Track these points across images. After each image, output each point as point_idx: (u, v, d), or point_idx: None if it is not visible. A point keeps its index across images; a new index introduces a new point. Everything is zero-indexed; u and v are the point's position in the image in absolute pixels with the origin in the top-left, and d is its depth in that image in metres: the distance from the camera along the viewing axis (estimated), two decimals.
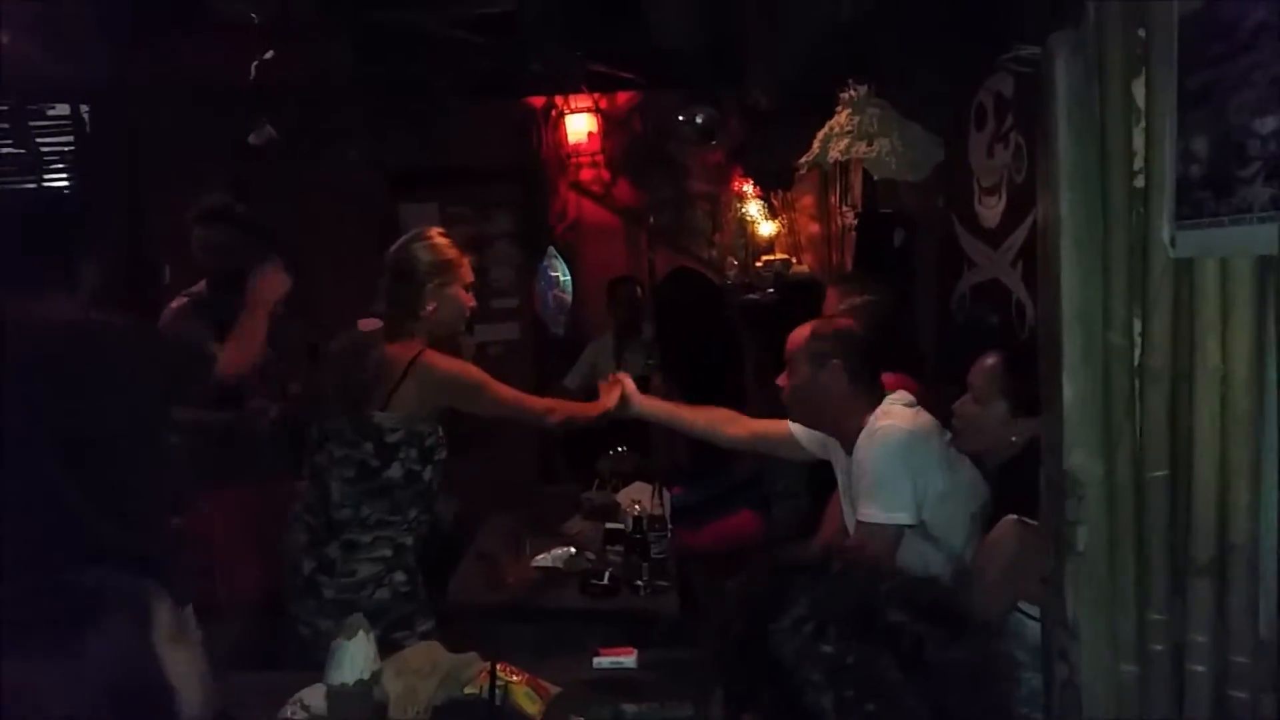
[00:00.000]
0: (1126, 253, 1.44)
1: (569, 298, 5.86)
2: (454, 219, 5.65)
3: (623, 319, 5.02)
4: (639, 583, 2.92)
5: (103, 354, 2.07)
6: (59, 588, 1.13)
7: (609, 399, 2.68)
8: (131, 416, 2.08)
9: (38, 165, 4.98)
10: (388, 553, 2.38)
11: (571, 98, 5.60)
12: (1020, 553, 1.80)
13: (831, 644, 0.97)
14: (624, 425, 4.68)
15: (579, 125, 5.66)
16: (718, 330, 2.74)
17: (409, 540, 2.43)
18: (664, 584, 2.93)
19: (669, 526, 3.11)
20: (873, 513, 2.15)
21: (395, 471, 2.36)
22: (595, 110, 5.65)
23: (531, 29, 4.43)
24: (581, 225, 5.84)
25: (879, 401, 2.29)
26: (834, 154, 2.93)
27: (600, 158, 5.73)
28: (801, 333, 2.37)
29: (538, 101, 5.69)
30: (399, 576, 2.41)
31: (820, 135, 3.04)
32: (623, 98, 5.67)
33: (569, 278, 5.87)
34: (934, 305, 3.34)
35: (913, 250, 3.47)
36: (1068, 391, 1.48)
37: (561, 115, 5.68)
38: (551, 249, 5.83)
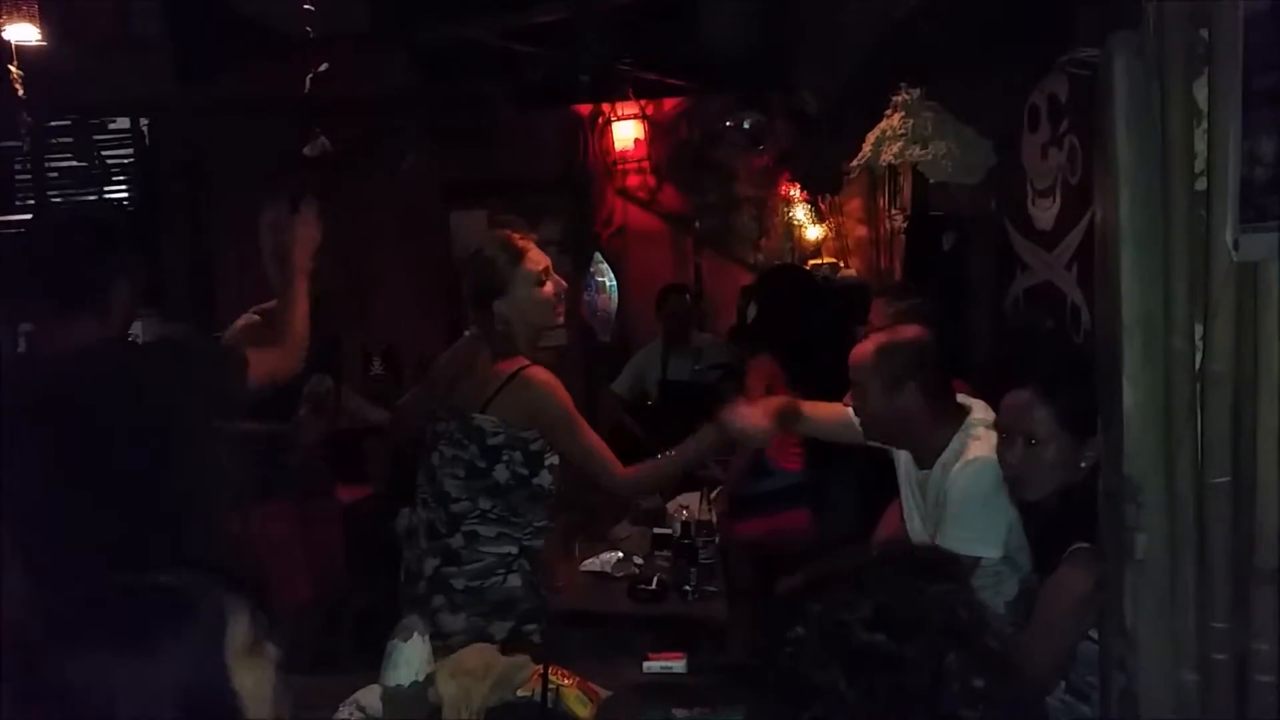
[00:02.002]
0: (1188, 256, 1.42)
1: (615, 303, 5.90)
2: (502, 226, 5.71)
3: (672, 326, 5.02)
4: (687, 588, 2.92)
5: (144, 367, 2.09)
6: (141, 586, 1.15)
7: (707, 438, 2.51)
8: (180, 427, 2.08)
9: (103, 178, 5.11)
10: (512, 550, 2.37)
11: (618, 105, 5.64)
12: (1092, 585, 1.67)
13: (886, 652, 0.97)
14: (674, 429, 4.74)
15: (626, 132, 5.69)
16: (824, 327, 2.66)
17: (533, 544, 2.41)
18: (712, 589, 2.94)
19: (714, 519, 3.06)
20: (958, 543, 2.05)
21: (501, 474, 2.35)
22: (642, 116, 5.68)
23: (581, 38, 4.46)
24: (628, 231, 5.87)
25: (957, 414, 2.16)
26: (887, 157, 2.91)
27: (646, 164, 5.77)
28: (866, 350, 2.22)
29: (585, 109, 5.74)
30: (526, 565, 2.39)
31: (871, 138, 3.02)
32: (669, 103, 5.70)
33: (615, 283, 5.90)
34: (986, 309, 3.31)
35: (964, 253, 3.43)
36: (1128, 397, 1.46)
37: (608, 122, 5.72)
38: (598, 255, 5.87)
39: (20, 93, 3.66)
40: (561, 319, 2.53)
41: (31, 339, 2.10)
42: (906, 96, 2.93)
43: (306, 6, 3.21)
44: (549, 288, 2.42)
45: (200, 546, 2.06)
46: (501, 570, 2.36)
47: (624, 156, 5.74)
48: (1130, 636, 1.48)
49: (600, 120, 5.75)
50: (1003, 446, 1.93)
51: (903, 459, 2.33)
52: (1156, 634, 1.46)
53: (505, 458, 2.36)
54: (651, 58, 5.12)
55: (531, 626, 2.38)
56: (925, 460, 2.22)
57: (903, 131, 2.88)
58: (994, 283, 3.19)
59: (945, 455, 2.15)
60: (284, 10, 3.45)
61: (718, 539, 3.10)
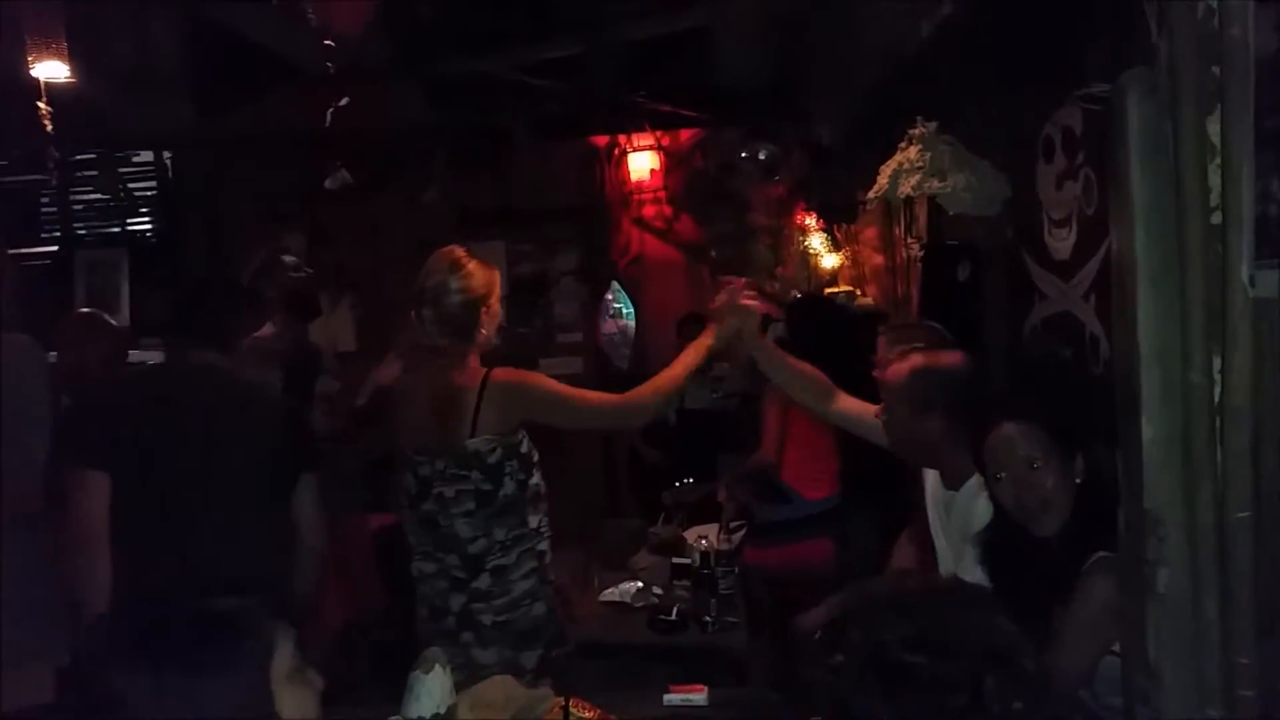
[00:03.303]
0: (1204, 291, 1.43)
1: (632, 332, 5.92)
2: (519, 256, 5.76)
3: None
4: (707, 619, 2.91)
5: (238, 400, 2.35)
6: (195, 611, 1.18)
7: (718, 327, 2.47)
8: (259, 463, 2.30)
9: (128, 210, 5.19)
10: (534, 564, 2.38)
11: (634, 136, 5.69)
12: (1114, 594, 1.67)
13: (926, 673, 0.98)
14: (692, 457, 4.74)
15: (641, 163, 5.75)
16: (850, 355, 2.65)
17: (545, 546, 2.42)
18: (733, 620, 2.93)
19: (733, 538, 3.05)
20: (978, 573, 2.03)
21: (508, 488, 2.35)
22: (657, 147, 5.73)
23: (596, 72, 4.51)
24: (644, 260, 5.91)
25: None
26: (905, 189, 2.92)
27: (662, 194, 5.81)
28: (901, 371, 2.24)
29: (601, 140, 5.79)
30: (547, 590, 2.40)
31: (888, 170, 3.03)
32: (685, 134, 5.75)
33: (632, 311, 5.93)
34: (1002, 338, 3.31)
35: (980, 283, 3.44)
36: (1146, 431, 1.46)
37: (624, 153, 5.78)
38: (615, 284, 5.90)
39: (49, 128, 3.73)
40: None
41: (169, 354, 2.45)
42: (923, 129, 2.94)
43: (327, 42, 3.26)
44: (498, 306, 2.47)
45: (263, 572, 2.20)
46: (528, 600, 2.36)
47: (640, 187, 5.79)
48: (1153, 672, 1.47)
49: (616, 151, 5.80)
50: (998, 488, 1.91)
51: (930, 477, 2.34)
52: (1180, 669, 1.45)
53: (507, 470, 2.35)
54: (667, 90, 5.17)
55: (559, 651, 2.39)
56: (952, 482, 2.23)
57: (920, 164, 2.89)
58: (1011, 313, 3.19)
59: (972, 480, 2.15)
60: (306, 46, 3.51)
61: (738, 568, 3.10)
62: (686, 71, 4.89)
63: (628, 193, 5.82)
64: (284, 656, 1.19)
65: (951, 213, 2.93)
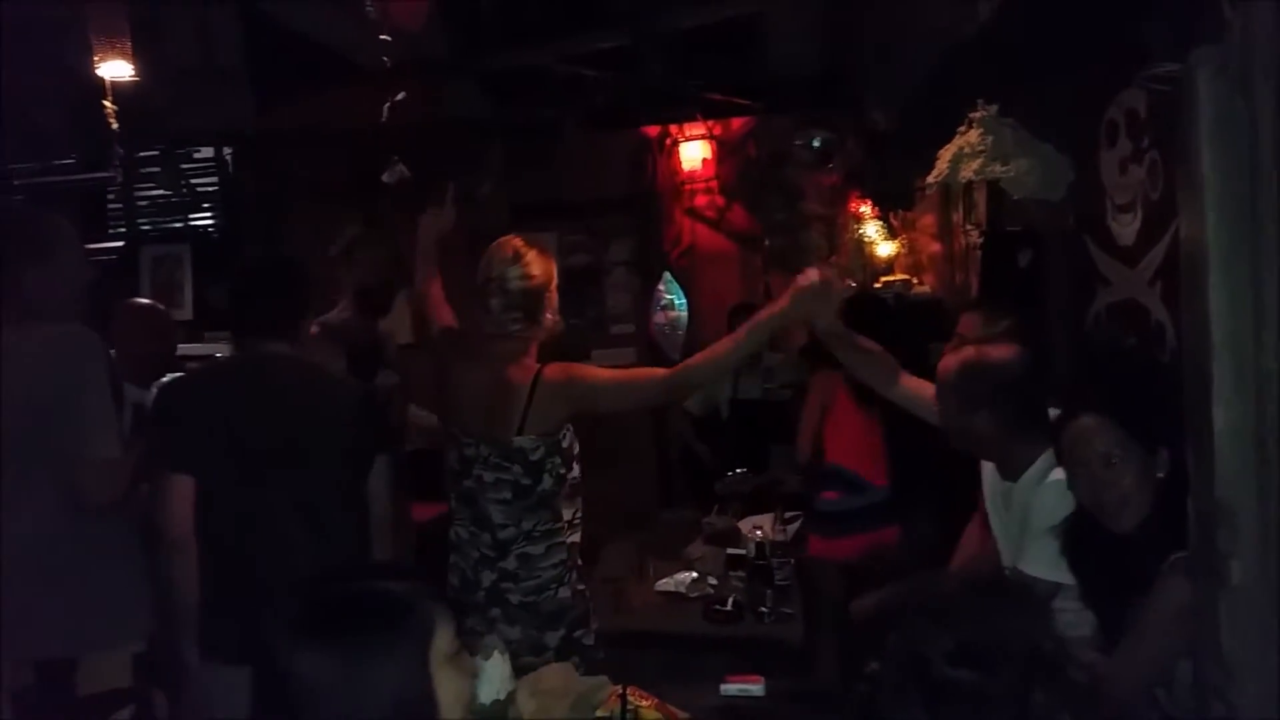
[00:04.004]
0: (1278, 275, 1.39)
1: (684, 322, 5.91)
2: (572, 248, 5.78)
3: None
4: (763, 610, 2.91)
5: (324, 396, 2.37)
6: (356, 590, 1.20)
7: (799, 297, 2.32)
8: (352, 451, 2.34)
9: (191, 206, 5.30)
10: (562, 556, 2.43)
11: (686, 125, 5.67)
12: (1192, 594, 1.62)
13: (970, 688, 0.97)
14: (744, 448, 4.73)
15: (693, 152, 5.73)
16: (902, 353, 2.63)
17: (575, 538, 2.48)
18: (788, 611, 2.92)
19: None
20: (1036, 566, 2.04)
21: (547, 483, 2.40)
22: (709, 137, 5.71)
23: (647, 61, 4.50)
24: (696, 251, 5.89)
25: (1047, 432, 2.08)
26: (967, 174, 2.87)
27: (714, 184, 5.79)
28: (950, 365, 2.21)
29: (652, 131, 5.78)
30: (574, 575, 2.45)
31: (947, 154, 2.99)
32: (737, 123, 5.71)
33: (684, 302, 5.92)
34: (1065, 326, 3.25)
35: (1042, 269, 3.38)
36: (1218, 419, 1.43)
37: (676, 143, 5.76)
38: (667, 274, 5.90)
39: (114, 126, 3.83)
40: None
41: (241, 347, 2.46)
42: (984, 112, 2.89)
43: (384, 37, 3.30)
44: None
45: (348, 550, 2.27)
46: (554, 585, 2.40)
47: (692, 176, 5.78)
48: (1227, 665, 1.44)
49: (668, 141, 5.79)
50: (1077, 480, 1.87)
51: (988, 468, 2.31)
52: (1255, 662, 1.42)
53: (548, 466, 2.40)
54: (719, 78, 5.15)
55: (581, 631, 2.42)
56: (1010, 473, 2.20)
57: (981, 148, 2.84)
58: (1075, 299, 3.13)
59: (1030, 471, 2.13)
60: (363, 41, 3.55)
61: (798, 560, 3.09)
62: (738, 59, 4.86)
63: (680, 183, 5.80)
64: (444, 638, 1.20)
65: (1016, 197, 2.87)
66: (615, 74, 4.84)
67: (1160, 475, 1.77)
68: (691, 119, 5.62)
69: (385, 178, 3.90)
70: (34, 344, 2.20)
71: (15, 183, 5.29)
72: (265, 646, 1.17)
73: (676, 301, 5.92)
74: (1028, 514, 2.10)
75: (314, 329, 3.37)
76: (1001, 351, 2.21)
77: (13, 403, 2.17)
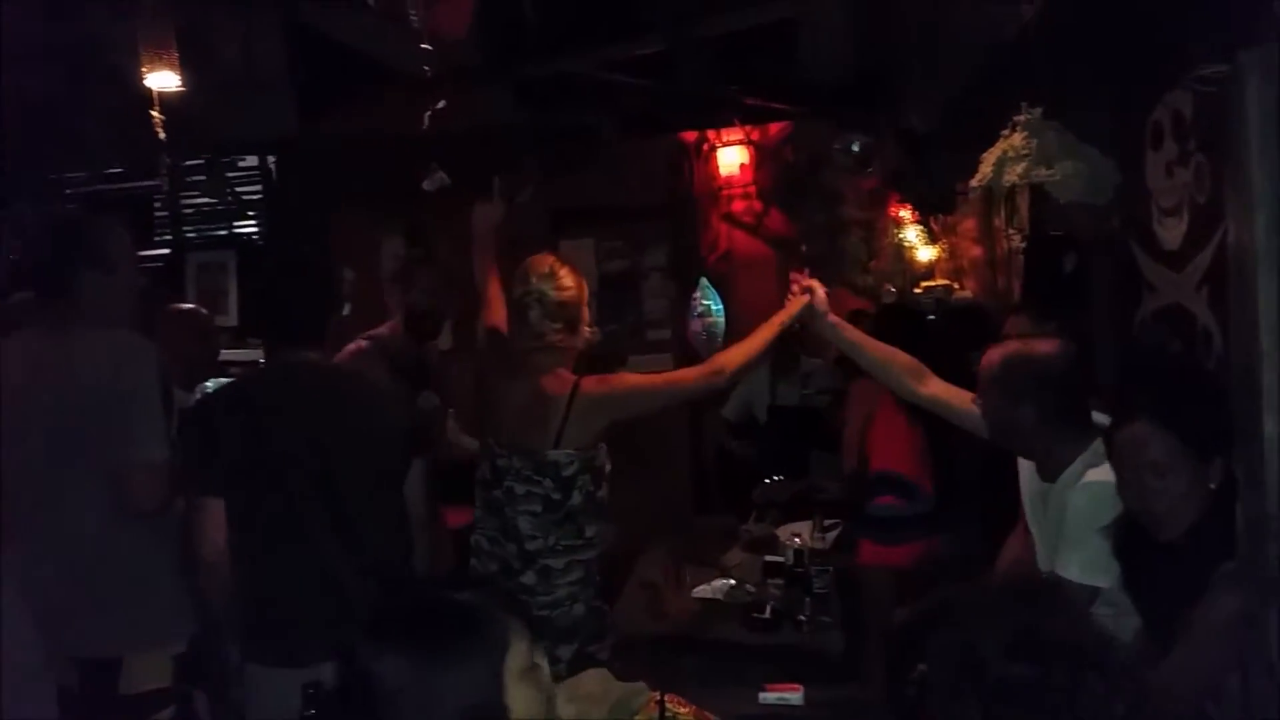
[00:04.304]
0: None
1: (721, 328, 5.90)
2: (609, 253, 5.80)
3: (779, 350, 4.99)
4: (801, 618, 2.89)
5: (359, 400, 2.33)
6: (434, 601, 1.21)
7: (792, 305, 2.57)
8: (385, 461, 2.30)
9: (237, 214, 5.39)
10: (580, 574, 2.45)
11: (723, 131, 5.67)
12: (1243, 606, 1.59)
13: (1027, 681, 0.96)
14: (782, 455, 4.71)
15: (730, 158, 5.72)
16: (930, 356, 2.63)
17: (594, 555, 2.50)
18: (827, 620, 2.90)
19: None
20: (1073, 569, 2.01)
21: (576, 499, 2.42)
22: (747, 142, 5.70)
23: (684, 67, 4.51)
24: (733, 256, 5.88)
25: (1087, 433, 2.07)
26: (1011, 177, 2.83)
27: (752, 189, 5.77)
28: (994, 357, 2.20)
29: (689, 136, 5.78)
30: (590, 592, 2.47)
31: (991, 158, 2.95)
32: (774, 128, 5.70)
33: (721, 307, 5.91)
34: (1110, 331, 3.20)
35: (1086, 274, 3.33)
36: (1268, 427, 1.40)
37: (713, 149, 5.76)
38: (704, 280, 5.88)
39: (161, 136, 3.90)
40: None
41: (270, 358, 2.43)
42: (1028, 115, 2.85)
43: (424, 46, 3.33)
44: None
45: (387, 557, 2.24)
46: (569, 602, 2.43)
47: (729, 182, 5.76)
48: (1276, 675, 1.41)
49: (705, 147, 5.79)
50: (1126, 487, 1.84)
51: (1026, 469, 2.28)
52: None
53: (579, 484, 2.42)
54: (756, 83, 5.13)
55: (596, 646, 2.44)
56: (1048, 473, 2.17)
57: (1026, 151, 2.80)
58: (1119, 305, 3.09)
59: (1068, 472, 2.11)
60: (404, 51, 3.58)
61: (845, 567, 3.06)
62: (775, 64, 4.85)
63: (717, 188, 5.79)
64: (518, 653, 1.19)
65: (1062, 201, 2.84)
66: (652, 80, 4.85)
67: (1213, 486, 1.73)
68: (729, 124, 5.61)
69: (426, 185, 3.93)
70: (87, 348, 2.24)
71: (66, 191, 5.43)
72: (348, 645, 1.18)
73: (713, 307, 5.87)
74: (1063, 516, 2.08)
75: (362, 344, 3.40)
76: (1046, 345, 2.20)
77: (64, 406, 2.21)
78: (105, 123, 4.33)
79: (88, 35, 4.06)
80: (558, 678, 2.15)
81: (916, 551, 3.45)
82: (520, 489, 2.43)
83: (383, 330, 3.48)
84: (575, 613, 2.42)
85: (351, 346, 3.38)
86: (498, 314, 2.69)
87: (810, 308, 2.54)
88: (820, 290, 2.56)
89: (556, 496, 2.41)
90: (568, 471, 2.41)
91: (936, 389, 2.45)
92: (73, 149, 4.61)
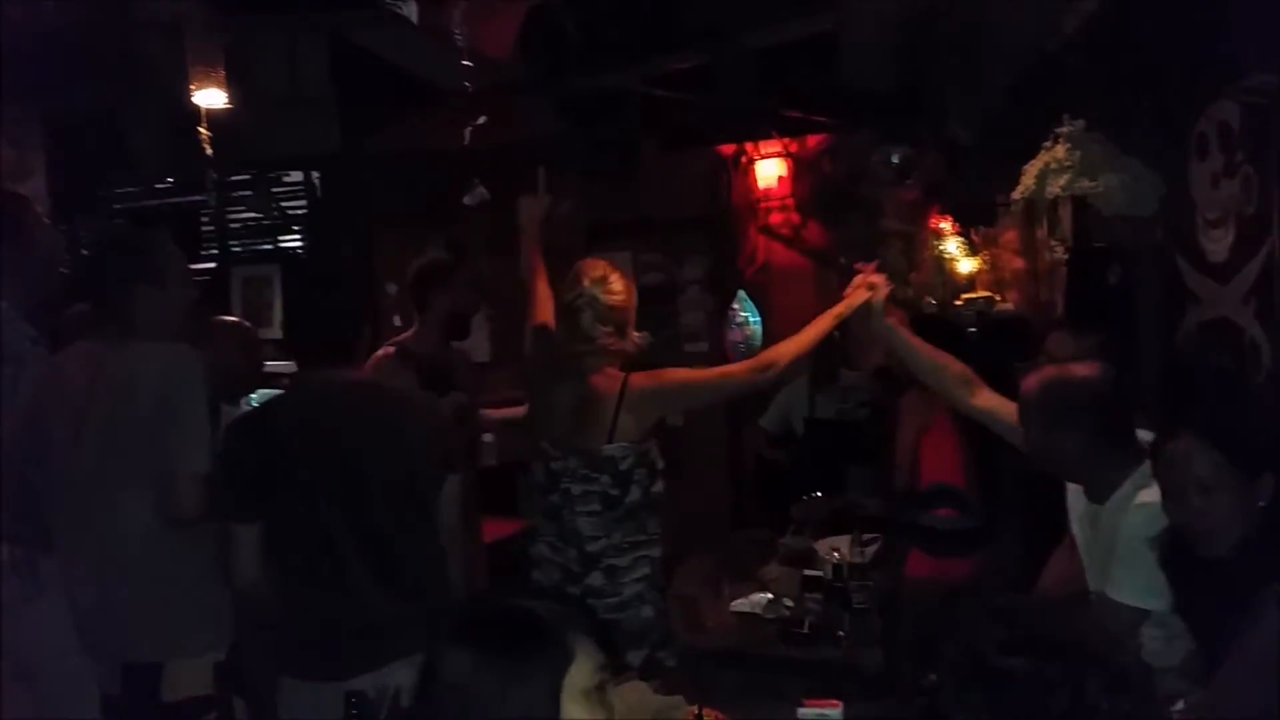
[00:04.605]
0: None
1: (759, 340, 5.89)
2: (646, 266, 5.81)
3: (819, 363, 4.97)
4: (840, 633, 2.87)
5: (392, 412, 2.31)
6: (509, 609, 1.21)
7: (853, 297, 2.55)
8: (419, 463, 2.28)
9: (282, 228, 5.48)
10: (647, 570, 2.46)
11: (761, 143, 5.66)
12: None
13: (1025, 674, 0.96)
14: (820, 469, 4.68)
15: (769, 170, 5.71)
16: (984, 370, 2.62)
17: (657, 552, 2.50)
18: (867, 635, 2.87)
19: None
20: (1123, 591, 1.99)
21: (634, 494, 2.44)
22: (785, 154, 5.69)
23: (723, 81, 4.52)
24: (771, 268, 5.87)
25: (1134, 456, 2.04)
26: (1054, 189, 2.82)
27: (790, 201, 5.76)
28: (1032, 383, 2.16)
29: (727, 149, 5.78)
30: (656, 594, 2.48)
31: (1033, 170, 2.94)
32: (812, 140, 5.68)
33: (759, 319, 5.90)
34: (1155, 345, 3.16)
35: (1130, 286, 3.29)
36: None
37: (751, 161, 5.76)
38: (741, 293, 5.88)
39: (209, 151, 3.98)
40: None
41: (297, 378, 2.40)
42: (1070, 127, 2.84)
43: (465, 63, 3.37)
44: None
45: (423, 571, 2.24)
46: (637, 603, 2.43)
47: (767, 194, 5.76)
48: None
49: (743, 159, 5.79)
50: (1171, 503, 1.81)
51: (1074, 490, 2.25)
52: None
53: (636, 477, 2.43)
54: (794, 95, 5.13)
55: (664, 653, 2.43)
56: (1097, 495, 2.14)
57: (1069, 163, 2.80)
58: (1163, 317, 3.05)
59: (1118, 494, 2.08)
60: (445, 67, 3.63)
61: (893, 580, 3.04)
62: (814, 76, 4.84)
63: (755, 200, 5.79)
64: (582, 671, 1.17)
65: (1105, 213, 2.81)
66: (691, 93, 4.86)
67: (1262, 504, 1.70)
68: (767, 136, 5.61)
69: (466, 200, 3.99)
70: (138, 360, 2.29)
71: (115, 206, 5.55)
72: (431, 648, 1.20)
73: (751, 319, 5.89)
74: (1115, 538, 2.05)
75: (389, 350, 3.44)
76: (1085, 369, 2.15)
77: (114, 415, 2.26)
78: (155, 138, 4.43)
79: (138, 53, 4.16)
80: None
81: (969, 565, 3.40)
82: (577, 489, 2.45)
83: (407, 335, 3.50)
84: (644, 615, 2.42)
85: (379, 354, 3.39)
86: (545, 312, 2.71)
87: (869, 304, 2.52)
88: (883, 289, 2.54)
89: (615, 492, 2.41)
90: (624, 465, 2.42)
91: (988, 400, 2.42)
92: (122, 164, 4.71)
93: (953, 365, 2.47)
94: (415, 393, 2.67)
